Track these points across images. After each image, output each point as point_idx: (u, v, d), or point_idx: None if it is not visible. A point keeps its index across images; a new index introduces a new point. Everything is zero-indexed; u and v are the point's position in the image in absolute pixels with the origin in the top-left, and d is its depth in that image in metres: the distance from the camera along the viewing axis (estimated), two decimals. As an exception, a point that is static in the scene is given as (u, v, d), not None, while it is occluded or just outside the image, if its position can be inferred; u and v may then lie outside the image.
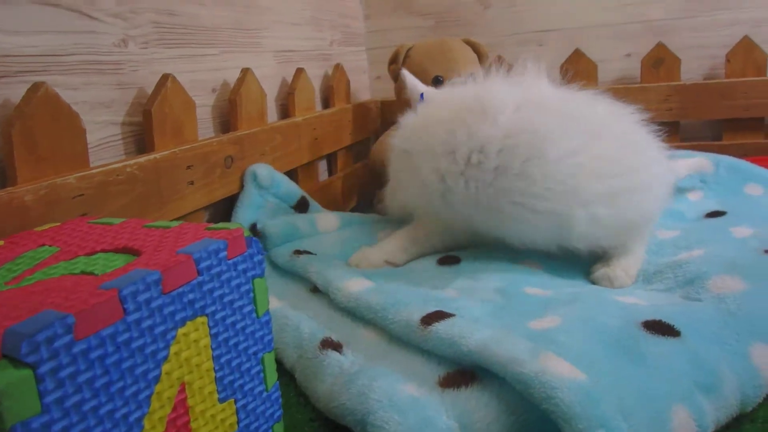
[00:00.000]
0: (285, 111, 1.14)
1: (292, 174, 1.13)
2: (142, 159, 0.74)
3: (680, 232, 0.90)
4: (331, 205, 1.25)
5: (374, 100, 1.49)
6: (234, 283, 0.49)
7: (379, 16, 1.57)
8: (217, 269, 0.47)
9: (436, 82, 1.24)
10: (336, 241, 0.92)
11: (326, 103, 1.30)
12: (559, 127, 0.73)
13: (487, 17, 1.52)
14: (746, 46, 1.35)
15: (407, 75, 1.07)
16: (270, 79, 1.12)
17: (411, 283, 0.75)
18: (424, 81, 1.23)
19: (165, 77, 0.80)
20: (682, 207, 1.06)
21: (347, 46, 1.47)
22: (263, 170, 0.95)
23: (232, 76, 0.99)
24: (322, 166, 1.30)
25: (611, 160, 0.74)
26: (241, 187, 0.94)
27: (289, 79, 1.15)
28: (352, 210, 1.40)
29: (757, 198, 1.06)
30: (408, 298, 0.68)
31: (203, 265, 0.45)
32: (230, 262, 0.48)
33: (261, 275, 0.52)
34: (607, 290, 0.73)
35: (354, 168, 1.37)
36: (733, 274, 0.69)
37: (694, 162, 1.12)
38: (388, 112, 1.51)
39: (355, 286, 0.73)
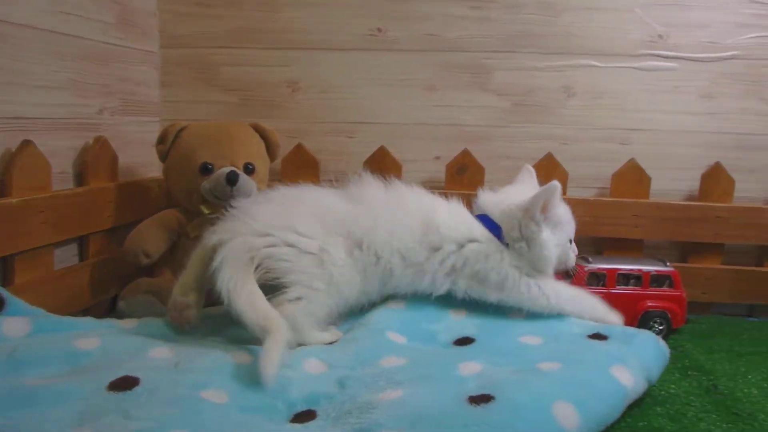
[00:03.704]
0: (3, 190, 1.10)
1: (6, 263, 1.08)
2: None
3: (406, 362, 0.93)
4: (73, 295, 1.22)
5: (156, 178, 1.49)
6: None
7: (178, 85, 1.59)
8: None
9: (204, 170, 1.25)
10: (14, 351, 0.88)
11: (80, 180, 1.28)
12: None
13: (296, 101, 1.58)
14: (549, 162, 1.47)
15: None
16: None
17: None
18: (190, 167, 1.24)
19: None
20: (439, 327, 1.11)
21: (130, 115, 1.47)
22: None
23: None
24: (71, 250, 1.27)
25: None
26: None
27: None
28: (113, 300, 1.36)
29: (521, 321, 1.13)
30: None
31: None
32: None
33: None
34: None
35: (115, 254, 1.34)
36: (409, 432, 0.72)
37: None
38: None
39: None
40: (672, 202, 1.48)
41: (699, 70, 1.50)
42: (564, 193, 1.47)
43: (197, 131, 1.30)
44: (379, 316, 1.10)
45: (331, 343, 1.03)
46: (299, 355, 0.95)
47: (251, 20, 1.57)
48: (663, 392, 1.03)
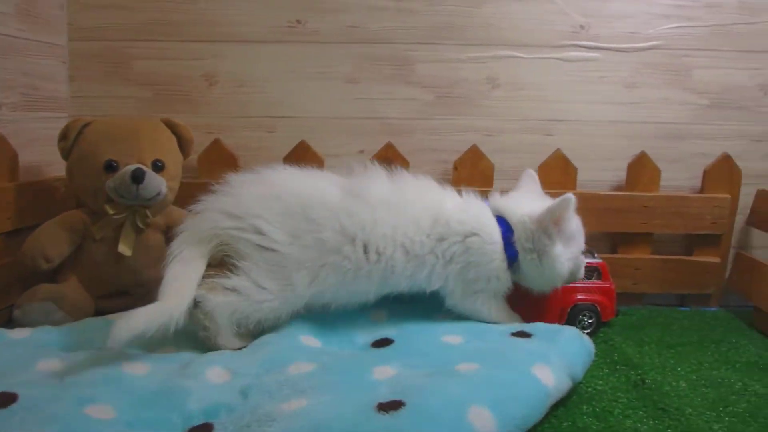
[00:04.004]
0: None
1: None
2: None
3: (316, 367, 0.88)
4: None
5: (63, 178, 1.39)
6: None
7: (88, 80, 1.50)
8: None
9: (109, 168, 1.17)
10: None
11: (-26, 180, 1.18)
12: None
13: (213, 95, 1.50)
14: (474, 155, 1.43)
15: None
16: None
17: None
18: (94, 165, 1.17)
19: None
20: (358, 329, 1.06)
21: (34, 111, 1.37)
22: None
23: None
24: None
25: None
26: None
27: None
28: (10, 308, 1.26)
29: (443, 320, 1.09)
30: None
31: None
32: None
33: None
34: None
35: (15, 259, 1.24)
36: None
37: None
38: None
39: None
40: (599, 193, 1.46)
41: (621, 60, 1.49)
42: (490, 185, 1.43)
43: (102, 127, 1.22)
44: (294, 319, 1.05)
45: (239, 348, 0.97)
46: (203, 362, 0.88)
47: (166, 11, 1.48)
48: (590, 389, 1.00)
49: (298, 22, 1.48)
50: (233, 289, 0.97)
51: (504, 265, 1.10)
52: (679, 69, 1.50)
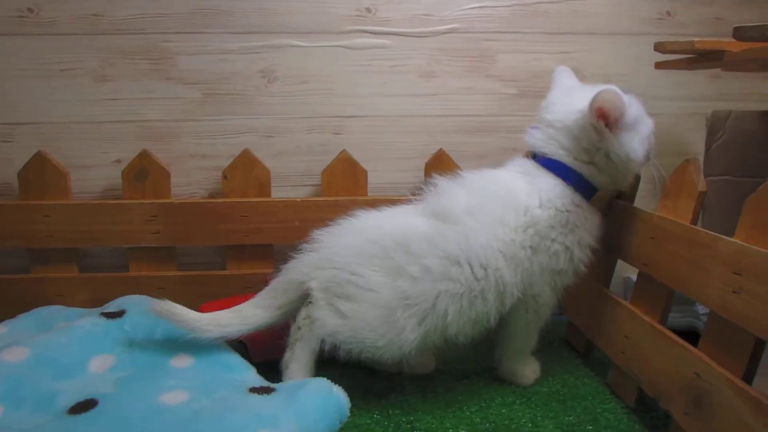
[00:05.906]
0: None
1: None
2: None
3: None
4: None
5: None
6: None
7: None
8: None
9: None
10: None
11: None
12: None
13: (-73, 101, 1.21)
14: (246, 160, 1.22)
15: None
16: None
17: None
18: None
19: None
20: (69, 383, 0.84)
21: None
22: None
23: None
24: None
25: None
26: None
27: None
28: None
29: (181, 368, 0.86)
30: None
31: None
32: None
33: None
34: None
35: None
36: None
37: None
38: None
39: None
40: (395, 197, 1.26)
41: (415, 46, 1.31)
42: (267, 194, 1.22)
43: None
44: None
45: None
46: None
47: None
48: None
49: (30, 10, 1.22)
50: (343, 314, 0.90)
51: (591, 215, 0.96)
52: (480, 55, 1.33)
